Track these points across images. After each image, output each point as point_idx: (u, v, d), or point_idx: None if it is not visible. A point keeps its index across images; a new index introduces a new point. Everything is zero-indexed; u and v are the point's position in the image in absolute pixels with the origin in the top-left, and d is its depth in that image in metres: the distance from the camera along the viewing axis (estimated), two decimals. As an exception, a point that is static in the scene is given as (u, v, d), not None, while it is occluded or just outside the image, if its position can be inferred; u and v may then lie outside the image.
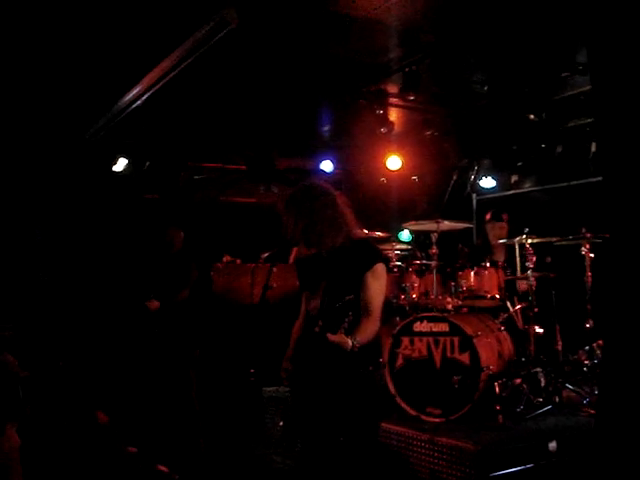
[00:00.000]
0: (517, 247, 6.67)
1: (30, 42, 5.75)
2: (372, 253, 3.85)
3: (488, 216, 7.32)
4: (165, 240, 7.26)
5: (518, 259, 6.73)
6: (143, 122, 7.79)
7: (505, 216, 7.20)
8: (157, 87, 6.28)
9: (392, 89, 7.22)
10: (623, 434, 2.62)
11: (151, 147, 8.99)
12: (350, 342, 3.44)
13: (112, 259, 8.38)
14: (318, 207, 3.76)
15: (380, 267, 3.77)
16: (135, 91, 6.50)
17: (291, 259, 5.96)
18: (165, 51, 5.74)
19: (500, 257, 7.00)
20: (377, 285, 3.74)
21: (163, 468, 5.83)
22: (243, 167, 9.36)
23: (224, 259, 9.14)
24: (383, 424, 5.19)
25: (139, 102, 6.70)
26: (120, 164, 8.68)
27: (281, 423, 5.73)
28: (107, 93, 6.76)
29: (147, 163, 9.00)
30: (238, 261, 9.15)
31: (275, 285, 8.13)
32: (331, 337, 3.41)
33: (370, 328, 3.66)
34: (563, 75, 6.91)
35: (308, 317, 3.96)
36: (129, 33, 5.68)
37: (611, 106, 2.95)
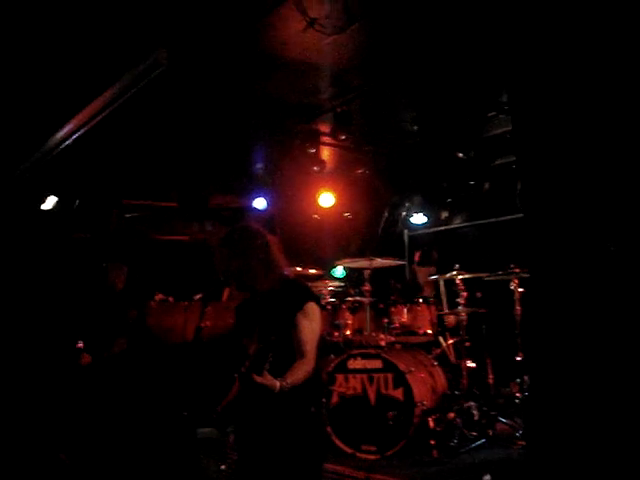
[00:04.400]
0: (442, 283, 6.84)
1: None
2: (301, 293, 3.78)
3: (417, 257, 7.46)
4: (106, 280, 6.79)
5: (445, 295, 6.86)
6: (73, 160, 7.68)
7: (434, 254, 7.34)
8: (88, 126, 6.22)
9: (324, 128, 7.31)
10: (551, 464, 2.69)
11: (81, 185, 8.85)
12: (278, 384, 3.35)
13: (41, 301, 8.16)
14: (251, 250, 3.74)
15: (311, 306, 3.68)
16: (65, 130, 6.42)
17: (224, 297, 5.88)
18: (97, 90, 5.70)
19: (429, 292, 7.11)
20: (309, 324, 3.64)
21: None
22: (175, 205, 9.30)
23: (156, 297, 9.01)
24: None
25: (69, 141, 6.62)
26: (49, 202, 8.51)
27: (223, 467, 5.64)
28: (37, 131, 6.66)
29: (77, 201, 8.85)
30: (171, 299, 9.03)
31: (208, 324, 8.07)
32: (256, 378, 3.29)
33: (302, 369, 3.56)
34: (490, 115, 7.13)
35: None
36: (60, 72, 5.63)
37: (530, 146, 3.08)
